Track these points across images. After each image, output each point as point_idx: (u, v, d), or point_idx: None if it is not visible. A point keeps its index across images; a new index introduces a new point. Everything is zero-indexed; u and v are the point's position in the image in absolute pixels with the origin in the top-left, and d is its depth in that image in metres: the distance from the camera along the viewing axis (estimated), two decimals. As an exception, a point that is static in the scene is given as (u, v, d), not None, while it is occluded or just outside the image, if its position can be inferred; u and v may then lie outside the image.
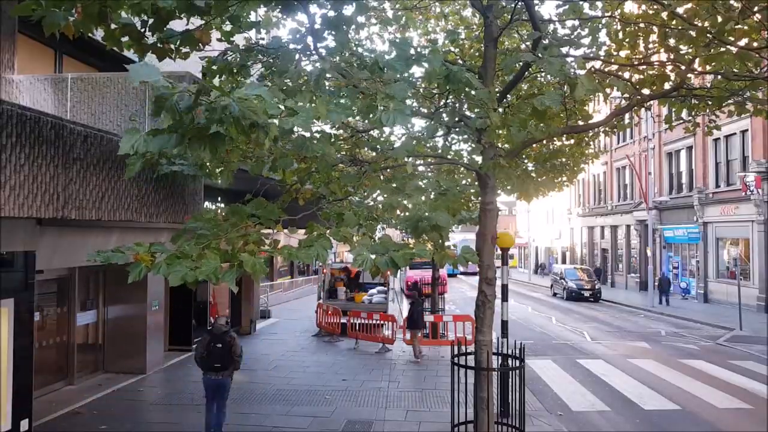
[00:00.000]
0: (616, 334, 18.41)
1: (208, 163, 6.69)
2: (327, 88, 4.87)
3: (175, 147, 3.80)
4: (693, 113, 8.78)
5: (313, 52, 5.76)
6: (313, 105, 4.20)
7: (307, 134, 7.33)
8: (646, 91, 8.24)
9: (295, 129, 4.16)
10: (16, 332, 7.23)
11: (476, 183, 7.22)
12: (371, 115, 4.38)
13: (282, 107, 3.91)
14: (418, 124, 18.93)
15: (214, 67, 5.98)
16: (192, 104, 3.53)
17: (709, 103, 8.17)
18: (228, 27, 5.73)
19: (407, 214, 5.98)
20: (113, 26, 4.66)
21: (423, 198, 6.02)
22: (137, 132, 3.85)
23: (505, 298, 8.90)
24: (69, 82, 8.73)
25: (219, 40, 5.82)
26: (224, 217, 4.99)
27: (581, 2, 7.92)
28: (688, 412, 9.76)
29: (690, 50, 7.67)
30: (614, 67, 8.88)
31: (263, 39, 6.69)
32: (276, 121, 3.72)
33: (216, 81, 5.92)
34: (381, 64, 4.75)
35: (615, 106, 10.05)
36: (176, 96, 3.53)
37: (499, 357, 7.35)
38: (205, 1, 4.35)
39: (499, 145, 8.80)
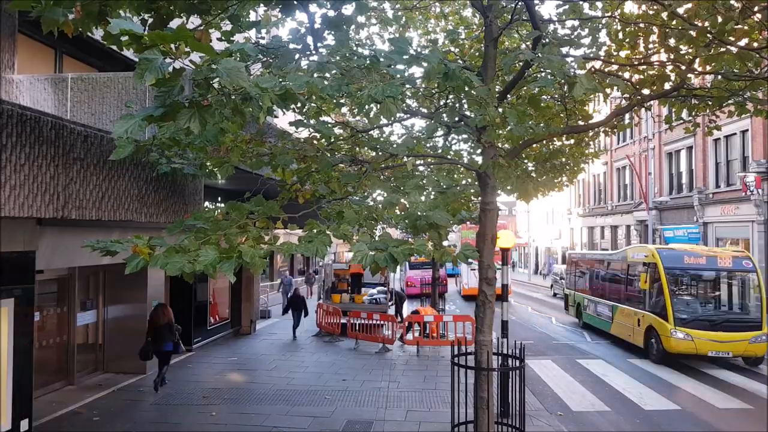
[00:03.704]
0: (617, 334, 18.39)
1: (208, 163, 6.69)
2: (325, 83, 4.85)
3: (162, 117, 3.73)
4: (693, 113, 8.78)
5: (313, 51, 5.76)
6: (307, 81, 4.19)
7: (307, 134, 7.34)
8: (646, 91, 8.24)
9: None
10: (16, 332, 7.23)
11: (476, 183, 7.21)
12: (361, 98, 4.33)
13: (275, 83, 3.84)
14: (418, 124, 18.91)
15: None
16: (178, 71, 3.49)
17: (709, 103, 8.18)
18: (228, 27, 5.72)
19: (406, 212, 5.97)
20: (113, 25, 4.64)
21: (423, 197, 6.01)
22: (132, 117, 3.79)
23: (505, 298, 8.89)
24: (69, 82, 8.73)
25: (219, 39, 5.82)
26: (224, 216, 4.98)
27: (581, 2, 7.92)
28: (688, 412, 9.75)
29: (690, 50, 7.68)
30: (614, 67, 8.87)
31: (263, 39, 6.68)
32: (268, 85, 3.62)
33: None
34: (380, 56, 4.74)
35: (615, 106, 10.04)
36: (160, 60, 3.49)
37: (499, 357, 7.35)
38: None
39: (499, 145, 8.79)
